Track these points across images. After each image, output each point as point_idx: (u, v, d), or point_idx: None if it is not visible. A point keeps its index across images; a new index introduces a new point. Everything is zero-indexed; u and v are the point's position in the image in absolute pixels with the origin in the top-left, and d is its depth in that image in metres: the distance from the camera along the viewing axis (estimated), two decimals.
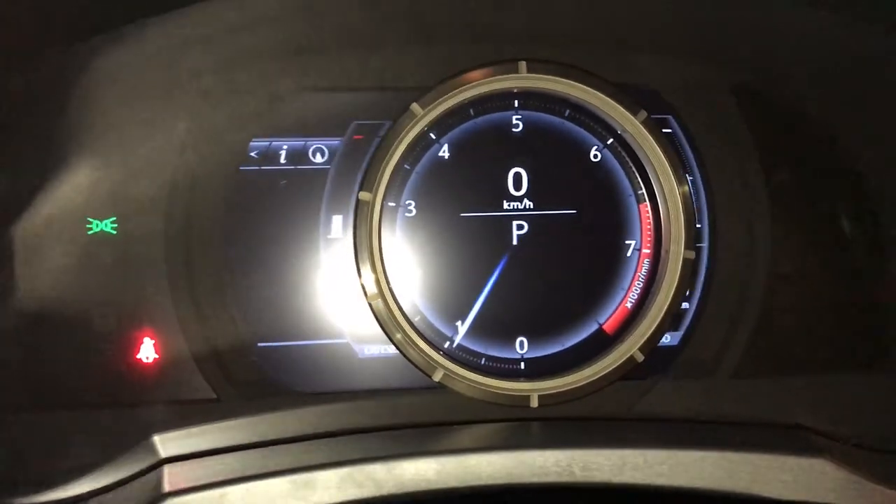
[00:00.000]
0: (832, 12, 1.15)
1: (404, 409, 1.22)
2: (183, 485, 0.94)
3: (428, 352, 1.25)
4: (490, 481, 0.95)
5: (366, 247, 1.23)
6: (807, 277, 1.32)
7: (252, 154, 1.25)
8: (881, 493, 0.92)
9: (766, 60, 1.29)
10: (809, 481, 0.92)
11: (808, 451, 0.96)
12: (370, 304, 1.23)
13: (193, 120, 1.21)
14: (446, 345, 1.28)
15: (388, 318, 1.24)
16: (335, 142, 1.25)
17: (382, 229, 1.25)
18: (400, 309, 1.25)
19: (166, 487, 0.94)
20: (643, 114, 1.26)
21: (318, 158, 1.26)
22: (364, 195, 1.23)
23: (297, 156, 1.26)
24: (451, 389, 1.24)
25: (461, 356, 1.28)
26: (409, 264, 1.27)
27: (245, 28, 1.17)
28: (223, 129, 1.23)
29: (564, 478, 0.96)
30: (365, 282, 1.23)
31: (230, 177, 1.24)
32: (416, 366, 1.24)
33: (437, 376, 1.23)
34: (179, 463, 1.04)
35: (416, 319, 1.27)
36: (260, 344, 1.24)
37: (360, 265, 1.23)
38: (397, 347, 1.24)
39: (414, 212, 1.27)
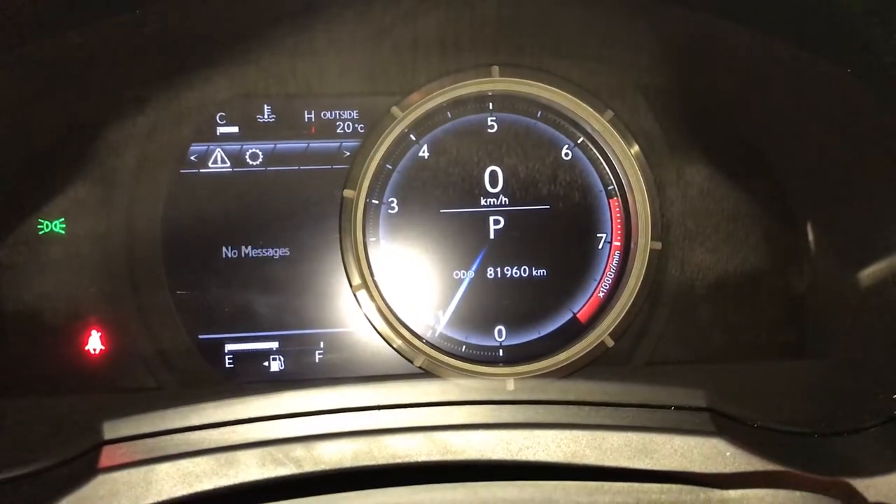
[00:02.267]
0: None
1: (386, 392, 1.28)
2: (115, 462, 0.99)
3: (410, 339, 1.32)
4: (405, 460, 1.00)
5: (350, 241, 1.31)
6: (721, 269, 1.38)
7: (192, 158, 1.33)
8: (769, 467, 0.98)
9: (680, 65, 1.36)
10: (704, 457, 0.98)
11: (708, 432, 1.02)
12: (355, 295, 1.31)
13: (135, 125, 1.30)
14: (428, 333, 1.35)
15: (371, 308, 1.32)
16: (269, 145, 1.33)
17: (367, 225, 1.34)
18: (383, 299, 1.33)
19: (100, 465, 0.99)
20: (609, 113, 1.35)
21: (254, 161, 1.34)
22: (348, 192, 1.32)
23: (234, 159, 1.33)
24: (432, 374, 1.31)
25: (442, 344, 1.35)
26: (393, 258, 1.35)
27: (213, 32, 1.26)
28: (165, 133, 1.32)
29: (471, 455, 1.02)
30: (349, 273, 1.31)
31: (171, 179, 1.32)
32: (398, 352, 1.32)
33: (419, 362, 1.31)
34: (117, 445, 1.09)
35: (398, 309, 1.34)
36: (200, 336, 1.32)
37: (345, 258, 1.32)
38: (380, 335, 1.32)
39: (396, 209, 1.35)
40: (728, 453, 1.03)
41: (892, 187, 1.20)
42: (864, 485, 0.97)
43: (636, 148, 1.36)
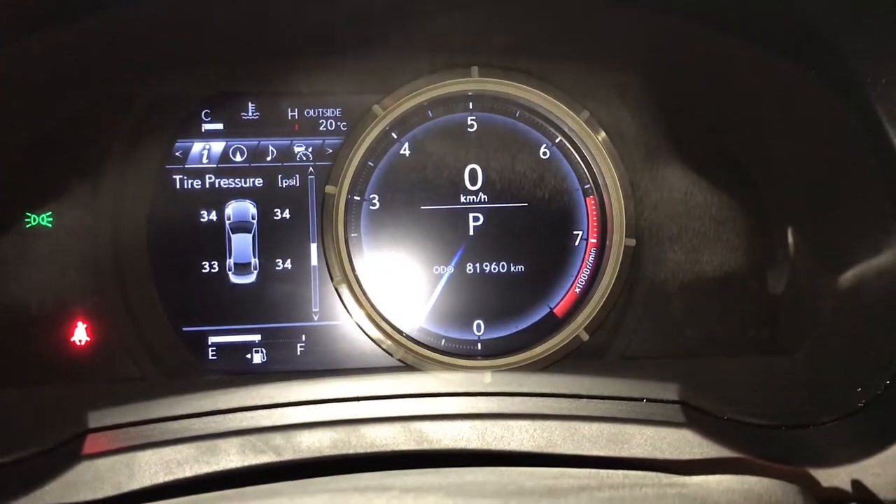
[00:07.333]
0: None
1: (366, 384, 1.31)
2: (99, 449, 1.01)
3: (391, 333, 1.35)
4: (381, 449, 1.02)
5: (331, 235, 1.34)
6: (696, 267, 1.41)
7: (177, 153, 1.35)
8: (733, 455, 1.01)
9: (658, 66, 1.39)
10: (672, 446, 1.02)
11: (677, 423, 1.05)
12: (336, 289, 1.34)
13: (122, 121, 1.32)
14: (408, 327, 1.38)
15: (352, 302, 1.34)
16: (253, 142, 1.36)
17: (349, 221, 1.36)
18: (364, 293, 1.36)
19: (84, 451, 1.01)
20: (585, 113, 1.38)
21: (238, 157, 1.36)
22: (330, 188, 1.35)
23: (219, 155, 1.36)
24: (412, 367, 1.34)
25: (422, 338, 1.38)
26: (374, 253, 1.38)
27: (199, 29, 1.28)
28: (151, 129, 1.34)
29: (447, 445, 1.05)
30: (331, 268, 1.34)
31: (157, 174, 1.34)
32: (379, 346, 1.35)
33: (399, 355, 1.34)
34: (102, 433, 1.10)
35: (379, 304, 1.37)
36: (184, 328, 1.34)
37: (327, 252, 1.34)
38: (361, 329, 1.35)
39: (378, 205, 1.38)
40: (696, 443, 1.06)
41: (867, 194, 1.23)
42: (823, 474, 1.01)
43: (611, 147, 1.39)
